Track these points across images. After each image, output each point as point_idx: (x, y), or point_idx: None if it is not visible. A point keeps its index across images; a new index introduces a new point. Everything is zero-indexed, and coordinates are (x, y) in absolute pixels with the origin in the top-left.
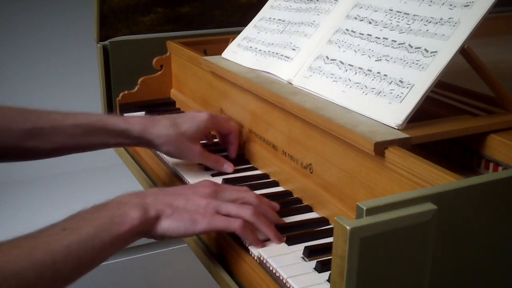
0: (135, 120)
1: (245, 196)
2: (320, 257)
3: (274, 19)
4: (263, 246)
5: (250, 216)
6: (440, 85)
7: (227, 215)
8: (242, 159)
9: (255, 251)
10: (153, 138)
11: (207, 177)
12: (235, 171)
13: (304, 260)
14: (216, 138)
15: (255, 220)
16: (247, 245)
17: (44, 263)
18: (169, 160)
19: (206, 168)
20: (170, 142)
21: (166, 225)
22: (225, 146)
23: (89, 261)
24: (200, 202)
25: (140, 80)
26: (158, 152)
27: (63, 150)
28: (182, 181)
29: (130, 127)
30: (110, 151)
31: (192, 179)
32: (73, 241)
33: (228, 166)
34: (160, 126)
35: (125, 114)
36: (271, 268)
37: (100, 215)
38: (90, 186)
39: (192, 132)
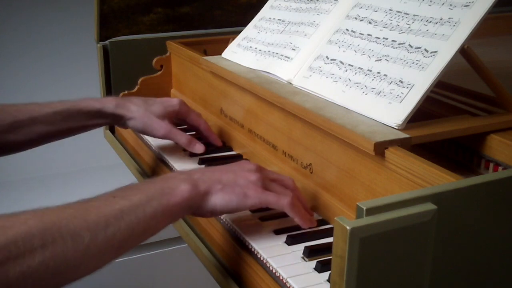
0: (108, 99)
1: (284, 178)
2: (320, 257)
3: (274, 19)
4: (312, 224)
5: (288, 198)
6: (440, 85)
7: (275, 184)
8: (241, 159)
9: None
10: (124, 113)
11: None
12: None
13: (304, 260)
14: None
15: (293, 203)
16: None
17: (98, 224)
18: (169, 159)
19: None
20: (138, 117)
21: (217, 199)
22: (206, 140)
23: (140, 230)
24: (249, 176)
25: (140, 80)
26: (158, 152)
27: (44, 139)
28: None
29: (104, 105)
30: (111, 151)
31: None
32: (125, 206)
33: (200, 147)
34: (131, 103)
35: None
36: (271, 268)
37: (150, 186)
38: (90, 186)
39: (160, 111)
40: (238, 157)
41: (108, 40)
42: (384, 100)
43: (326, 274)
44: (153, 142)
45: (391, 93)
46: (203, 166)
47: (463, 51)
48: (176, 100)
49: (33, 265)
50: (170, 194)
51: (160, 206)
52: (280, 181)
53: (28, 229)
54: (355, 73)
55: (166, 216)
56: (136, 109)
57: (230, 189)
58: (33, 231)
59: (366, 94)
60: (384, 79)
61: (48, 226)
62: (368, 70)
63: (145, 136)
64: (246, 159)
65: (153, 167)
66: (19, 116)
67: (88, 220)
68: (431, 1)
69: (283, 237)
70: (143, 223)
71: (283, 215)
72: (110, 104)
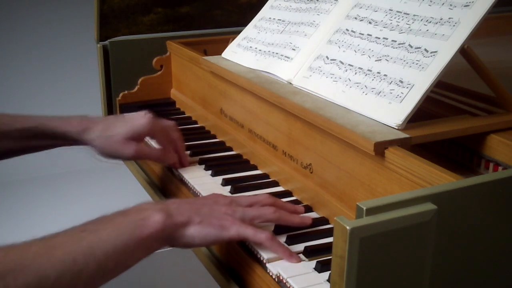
0: (73, 122)
1: (259, 199)
2: (320, 257)
3: (274, 19)
4: (297, 260)
5: (273, 214)
6: (440, 85)
7: (252, 220)
8: (241, 159)
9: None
10: (87, 140)
11: (208, 178)
12: (236, 171)
13: (304, 260)
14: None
15: (279, 215)
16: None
17: (64, 262)
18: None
19: (206, 168)
20: (103, 144)
21: (195, 232)
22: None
23: (111, 265)
24: (225, 210)
25: (140, 80)
26: None
27: (10, 154)
28: (181, 180)
29: (68, 129)
30: None
31: (192, 179)
32: (93, 242)
33: (174, 157)
34: (94, 130)
35: (124, 114)
36: (271, 268)
37: (121, 219)
38: (90, 186)
39: (126, 131)
40: (238, 157)
41: (108, 40)
42: (384, 100)
43: (326, 274)
44: (154, 142)
45: (391, 93)
46: (206, 168)
47: (463, 51)
48: (145, 121)
49: None
50: (143, 226)
51: (131, 239)
52: (258, 202)
53: None
54: (355, 73)
55: (139, 249)
56: (97, 136)
57: (208, 221)
58: None
59: (366, 94)
60: (384, 79)
61: (11, 267)
62: (368, 70)
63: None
64: (246, 159)
65: (152, 167)
66: None
67: (54, 259)
68: (431, 1)
69: (283, 237)
70: (113, 259)
71: None
72: (74, 130)
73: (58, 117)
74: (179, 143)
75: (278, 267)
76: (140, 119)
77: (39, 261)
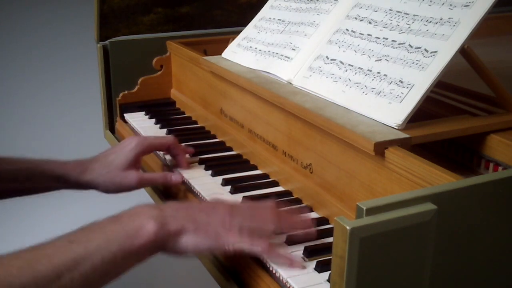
0: (71, 166)
1: (261, 208)
2: (320, 257)
3: (274, 19)
4: (300, 267)
5: (273, 226)
6: (440, 85)
7: (250, 231)
8: (241, 159)
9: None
10: (88, 182)
11: (208, 178)
12: (236, 171)
13: (304, 260)
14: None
15: (280, 227)
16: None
17: (47, 277)
18: (168, 158)
19: (206, 168)
20: (103, 183)
21: (189, 240)
22: (175, 160)
23: (98, 277)
24: (223, 217)
25: (140, 80)
26: (158, 152)
27: (5, 195)
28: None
29: (66, 172)
30: None
31: (192, 179)
32: (80, 254)
33: (177, 177)
34: (91, 170)
35: (125, 114)
36: (271, 268)
37: (112, 227)
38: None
39: (122, 163)
40: (238, 157)
41: (108, 40)
42: (384, 100)
43: (326, 274)
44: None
45: (391, 93)
46: (206, 168)
47: (463, 51)
48: (134, 140)
49: None
50: (134, 236)
51: (120, 250)
52: (259, 212)
53: None
54: (355, 73)
55: (128, 261)
56: (98, 173)
57: (203, 230)
58: None
59: (366, 94)
60: (384, 79)
61: None
62: (368, 70)
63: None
64: (246, 159)
65: (152, 167)
66: None
67: (37, 274)
68: (431, 1)
69: (283, 237)
70: (100, 270)
71: None
72: (72, 171)
73: (53, 160)
74: (176, 145)
75: (278, 267)
76: (128, 144)
77: (21, 277)
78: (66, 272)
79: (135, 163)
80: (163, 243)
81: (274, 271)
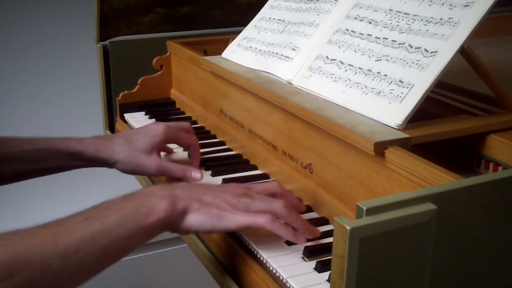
0: (89, 140)
1: (273, 201)
2: (320, 257)
3: (274, 19)
4: (303, 240)
5: (281, 210)
6: (440, 85)
7: (258, 210)
8: (241, 159)
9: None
10: (106, 157)
11: (208, 178)
12: (236, 171)
13: (304, 260)
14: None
15: (286, 213)
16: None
17: (68, 250)
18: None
19: (206, 168)
20: (123, 160)
21: (192, 219)
22: (190, 159)
23: (113, 252)
24: (229, 199)
25: (140, 80)
26: None
27: (23, 176)
28: (180, 180)
29: (84, 149)
30: None
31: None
32: (97, 230)
33: (196, 173)
34: (113, 145)
35: (125, 114)
36: (271, 268)
37: (126, 205)
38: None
39: (146, 145)
40: (238, 157)
41: (108, 40)
42: (384, 100)
43: (326, 274)
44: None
45: (391, 93)
46: (206, 168)
47: (463, 51)
48: (161, 127)
49: None
50: (147, 213)
51: (134, 227)
52: (266, 190)
53: None
54: (355, 73)
55: (141, 236)
56: (119, 150)
57: (207, 209)
58: None
59: (366, 94)
60: (384, 79)
61: (15, 256)
62: (368, 70)
63: None
64: (246, 159)
65: None
66: None
67: (58, 247)
68: (431, 1)
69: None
70: (116, 245)
71: None
72: (91, 147)
73: (71, 137)
74: (196, 148)
75: (278, 267)
76: (157, 128)
77: (43, 250)
78: (85, 245)
79: (158, 150)
80: (172, 222)
81: (274, 271)
